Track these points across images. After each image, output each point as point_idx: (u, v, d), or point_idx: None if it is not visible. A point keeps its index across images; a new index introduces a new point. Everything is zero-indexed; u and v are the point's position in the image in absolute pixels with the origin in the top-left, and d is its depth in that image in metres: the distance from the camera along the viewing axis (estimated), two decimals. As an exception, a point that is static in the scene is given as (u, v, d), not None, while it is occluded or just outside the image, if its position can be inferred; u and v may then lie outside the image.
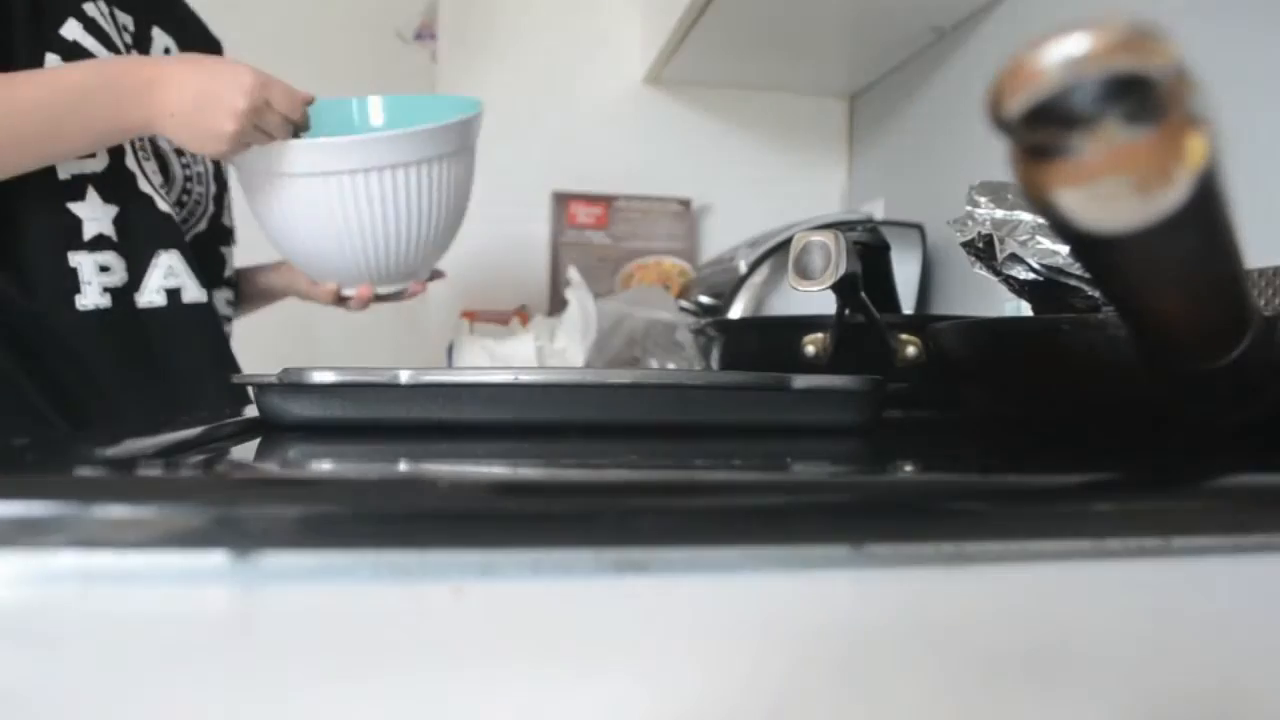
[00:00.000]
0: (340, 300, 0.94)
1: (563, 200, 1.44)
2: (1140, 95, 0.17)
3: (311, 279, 0.94)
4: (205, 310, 0.84)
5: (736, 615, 0.21)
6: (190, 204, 0.88)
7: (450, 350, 1.29)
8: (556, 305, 1.39)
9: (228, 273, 0.93)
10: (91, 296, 0.76)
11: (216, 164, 0.92)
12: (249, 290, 1.04)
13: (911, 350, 0.59)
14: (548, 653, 0.18)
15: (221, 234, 0.92)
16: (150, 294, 0.80)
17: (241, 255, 1.01)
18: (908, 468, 0.39)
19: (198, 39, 0.93)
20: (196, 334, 0.83)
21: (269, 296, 1.06)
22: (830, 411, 0.45)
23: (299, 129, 0.81)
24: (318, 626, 0.19)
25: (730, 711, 0.17)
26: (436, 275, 1.00)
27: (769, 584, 0.22)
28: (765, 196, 1.49)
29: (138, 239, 0.79)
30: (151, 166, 0.82)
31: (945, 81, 1.25)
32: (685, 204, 1.47)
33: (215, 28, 0.99)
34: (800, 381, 0.44)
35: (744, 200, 1.50)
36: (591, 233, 1.44)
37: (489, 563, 0.21)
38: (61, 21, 0.75)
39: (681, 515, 0.23)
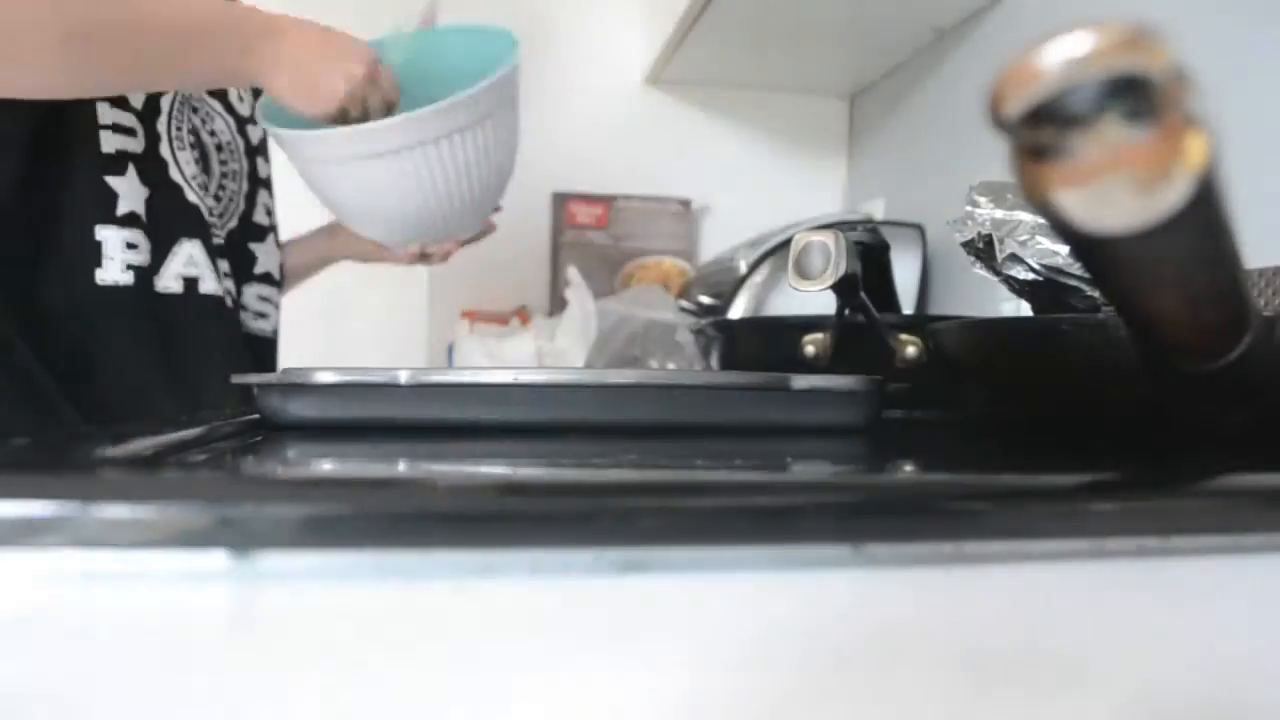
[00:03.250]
0: (423, 257, 0.95)
1: (563, 200, 1.44)
2: (1140, 95, 0.17)
3: (391, 245, 0.95)
4: (219, 303, 0.83)
5: (736, 615, 0.21)
6: (225, 199, 0.89)
7: (450, 350, 1.29)
8: (556, 305, 1.39)
9: (258, 269, 0.93)
10: (113, 272, 0.75)
11: (252, 163, 0.92)
12: (299, 261, 1.04)
13: (911, 350, 0.59)
14: (548, 653, 0.18)
15: (252, 231, 0.92)
16: (169, 279, 0.80)
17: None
18: (908, 468, 0.39)
19: None
20: (210, 325, 0.82)
21: (318, 264, 1.07)
22: (830, 411, 0.45)
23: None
24: (318, 626, 0.19)
25: (730, 711, 0.17)
26: (497, 209, 1.01)
27: (769, 584, 0.22)
28: (765, 196, 1.49)
29: (163, 224, 0.79)
30: (186, 156, 0.82)
31: (945, 81, 1.25)
32: (685, 204, 1.47)
33: None
34: (800, 381, 0.44)
35: (744, 200, 1.50)
36: (591, 233, 1.44)
37: (489, 563, 0.21)
38: None
39: (681, 515, 0.23)
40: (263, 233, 0.94)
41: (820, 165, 1.55)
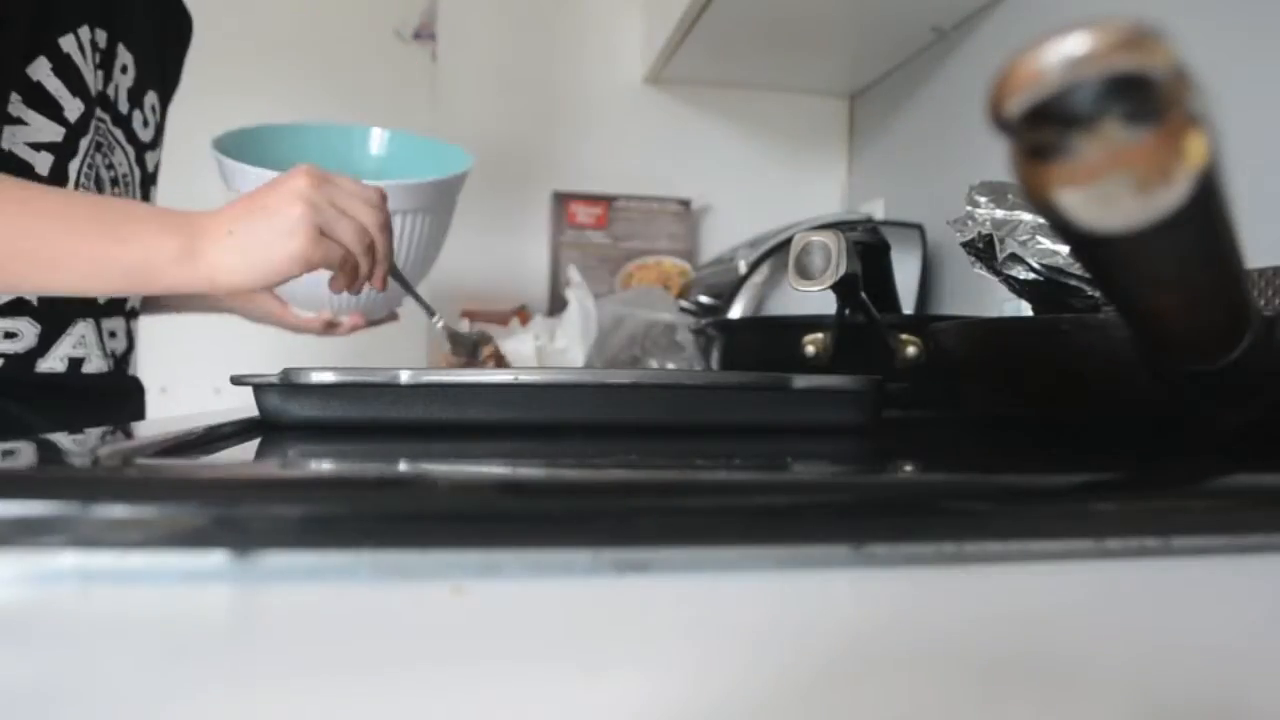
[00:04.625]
0: (328, 328, 0.95)
1: (563, 200, 1.44)
2: (1140, 95, 0.17)
3: (299, 309, 0.94)
4: (101, 379, 0.80)
5: (736, 615, 0.21)
6: None
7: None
8: (556, 305, 1.39)
9: (131, 304, 0.88)
10: None
11: (145, 194, 0.87)
12: (190, 299, 1.00)
13: (911, 350, 0.59)
14: (548, 653, 0.18)
15: None
16: (53, 360, 0.77)
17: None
18: (908, 468, 0.39)
19: (151, 34, 0.88)
20: (88, 399, 0.79)
21: (209, 309, 1.02)
22: (830, 411, 0.45)
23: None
24: (318, 626, 0.19)
25: (729, 711, 0.17)
26: (393, 318, 1.04)
27: (769, 584, 0.22)
28: (765, 196, 1.49)
29: (58, 306, 0.75)
30: None
31: (945, 81, 1.25)
32: (685, 204, 1.47)
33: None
34: (800, 381, 0.44)
35: (744, 200, 1.50)
36: (591, 233, 1.44)
37: (489, 563, 0.21)
38: (32, 59, 0.71)
39: (681, 515, 0.23)
40: None
41: (820, 165, 1.55)
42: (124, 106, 0.82)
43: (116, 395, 0.85)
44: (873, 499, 0.25)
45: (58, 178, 0.73)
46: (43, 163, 0.72)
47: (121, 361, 0.86)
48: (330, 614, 0.20)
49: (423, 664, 0.18)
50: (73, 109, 0.73)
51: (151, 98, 0.86)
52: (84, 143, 0.75)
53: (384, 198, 0.69)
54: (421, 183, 0.90)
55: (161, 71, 0.89)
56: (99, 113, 0.78)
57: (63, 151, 0.73)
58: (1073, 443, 0.43)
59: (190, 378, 1.49)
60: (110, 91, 0.80)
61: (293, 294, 0.93)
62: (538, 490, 0.24)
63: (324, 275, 0.74)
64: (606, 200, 1.44)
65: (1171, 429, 0.38)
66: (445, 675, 0.17)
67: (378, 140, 1.10)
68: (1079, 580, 0.23)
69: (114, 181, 0.82)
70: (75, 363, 0.78)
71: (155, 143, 0.88)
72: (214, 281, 0.64)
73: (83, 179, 0.75)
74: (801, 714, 0.17)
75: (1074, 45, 0.17)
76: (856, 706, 0.17)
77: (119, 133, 0.83)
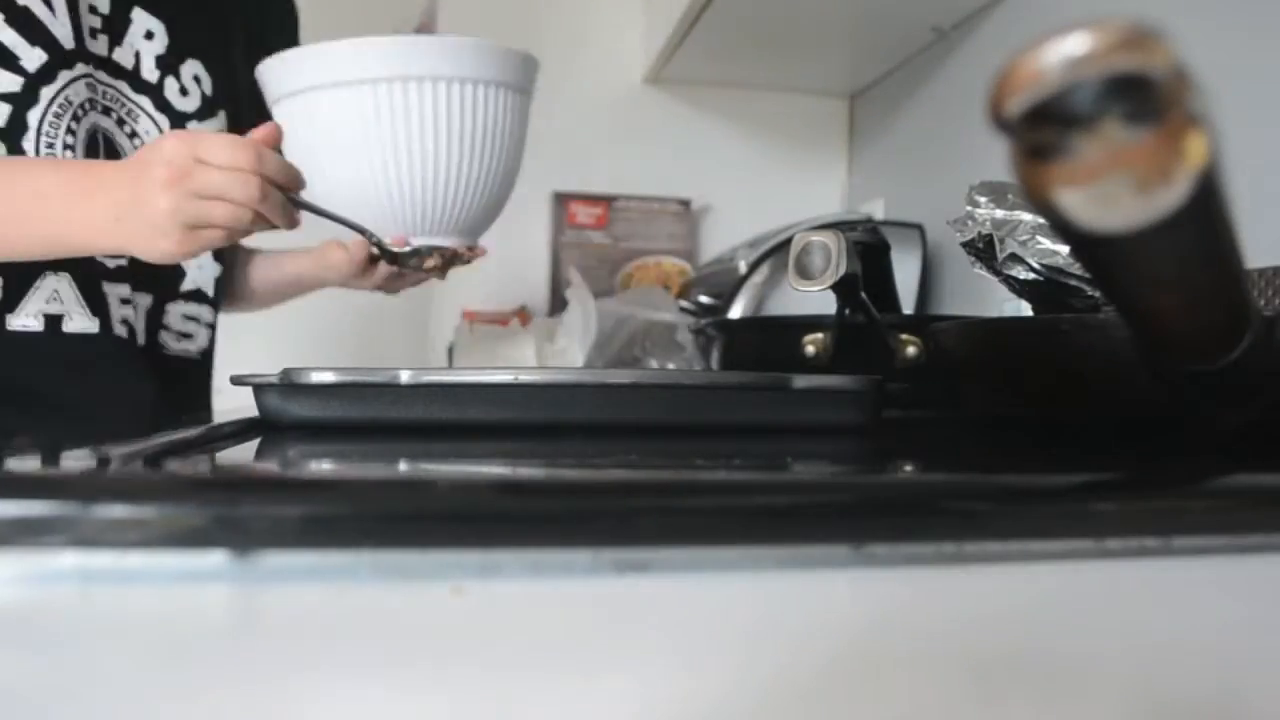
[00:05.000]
0: (370, 265, 0.84)
1: (563, 200, 1.44)
2: (1140, 95, 0.17)
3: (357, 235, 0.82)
4: (91, 341, 0.75)
5: (736, 615, 0.21)
6: None
7: (450, 350, 1.29)
8: (556, 305, 1.39)
9: (186, 286, 0.85)
10: None
11: None
12: (274, 276, 0.95)
13: (911, 350, 0.59)
14: (548, 653, 0.18)
15: None
16: (25, 317, 0.72)
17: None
18: (908, 468, 0.39)
19: (210, 15, 0.84)
20: (76, 364, 0.74)
21: (298, 286, 0.96)
22: (830, 411, 0.45)
23: (284, 185, 0.67)
24: (318, 626, 0.19)
25: (729, 711, 0.17)
26: (474, 252, 0.90)
27: (769, 584, 0.22)
28: (765, 196, 1.49)
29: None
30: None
31: (945, 81, 1.25)
32: (685, 204, 1.47)
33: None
34: (800, 381, 0.44)
35: (744, 200, 1.50)
36: (591, 233, 1.44)
37: (489, 563, 0.21)
38: None
39: (681, 515, 0.23)
40: None
41: (820, 165, 1.55)
42: (150, 74, 0.79)
43: (124, 370, 0.79)
44: (873, 499, 0.25)
45: (16, 125, 0.70)
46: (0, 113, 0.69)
47: (152, 336, 0.81)
48: (330, 614, 0.20)
49: (423, 664, 0.18)
50: (32, 59, 0.70)
51: (194, 66, 0.82)
52: (47, 91, 0.71)
53: (259, 152, 0.65)
54: (483, 43, 0.76)
55: (220, 43, 0.85)
56: (105, 77, 0.75)
57: (21, 101, 0.70)
58: (1073, 443, 0.43)
59: (190, 378, 1.49)
60: (122, 58, 0.77)
61: (336, 188, 0.79)
62: (537, 490, 0.25)
63: (376, 182, 0.73)
64: (606, 200, 1.44)
65: (1171, 429, 0.38)
66: (445, 675, 0.17)
67: None
68: (1079, 580, 0.23)
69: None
70: (52, 320, 0.73)
71: (203, 113, 0.83)
72: (132, 252, 0.65)
73: (47, 128, 0.71)
74: (801, 714, 0.17)
75: (1074, 45, 0.17)
76: (856, 706, 0.17)
77: (144, 100, 0.79)
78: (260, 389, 0.43)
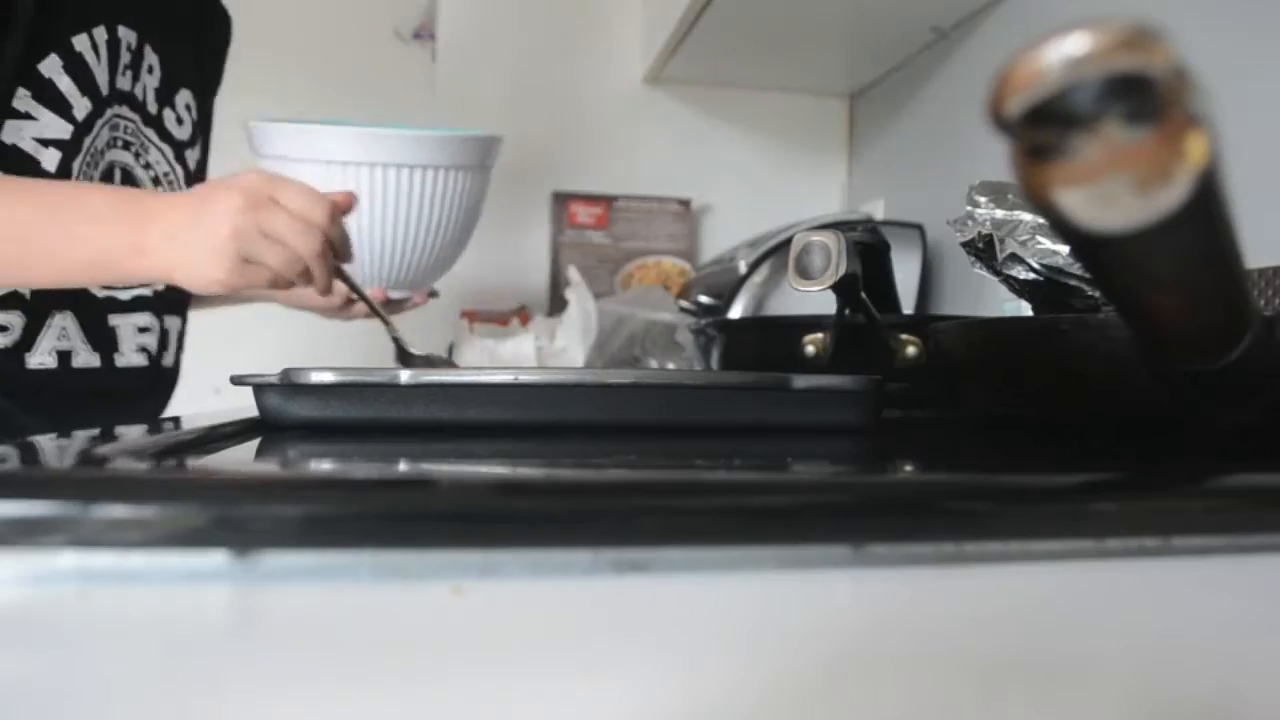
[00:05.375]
0: (344, 306, 0.90)
1: (563, 200, 1.44)
2: (1140, 95, 0.17)
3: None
4: (97, 374, 0.78)
5: (736, 615, 0.21)
6: None
7: (450, 350, 1.29)
8: (556, 305, 1.39)
9: (173, 293, 0.88)
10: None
11: (189, 181, 0.87)
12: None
13: (911, 350, 0.59)
14: (548, 653, 0.18)
15: None
16: (41, 355, 0.75)
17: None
18: (908, 468, 0.39)
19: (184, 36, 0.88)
20: (85, 401, 0.77)
21: (235, 299, 0.99)
22: (830, 411, 0.45)
23: (336, 252, 0.70)
24: (318, 626, 0.19)
25: (729, 711, 0.17)
26: (433, 294, 1.01)
27: (769, 584, 0.22)
28: (765, 196, 1.49)
29: (38, 298, 0.74)
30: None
31: (945, 81, 1.25)
32: (685, 204, 1.47)
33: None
34: (800, 381, 0.44)
35: (744, 200, 1.50)
36: (591, 233, 1.44)
37: (489, 563, 0.21)
38: (43, 56, 0.71)
39: (681, 515, 0.23)
40: None
41: (820, 165, 1.55)
42: (153, 107, 0.83)
43: (124, 394, 0.83)
44: (873, 499, 0.25)
45: (63, 174, 0.73)
46: (50, 159, 0.72)
47: (151, 357, 0.85)
48: (330, 614, 0.20)
49: (423, 664, 0.18)
50: (81, 108, 0.74)
51: (185, 96, 0.87)
52: (87, 141, 0.75)
53: (333, 212, 0.67)
54: (437, 135, 0.88)
55: (199, 70, 0.90)
56: (127, 112, 0.79)
57: (69, 148, 0.73)
58: (1073, 443, 0.43)
59: (190, 378, 1.49)
60: (138, 92, 0.80)
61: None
62: (538, 490, 0.24)
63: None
64: (606, 200, 1.44)
65: (1171, 429, 0.38)
66: (445, 675, 0.17)
67: None
68: (1079, 580, 0.23)
69: (155, 181, 0.83)
70: (63, 356, 0.76)
71: (194, 141, 0.88)
72: (173, 278, 0.65)
73: (81, 176, 0.75)
74: (801, 714, 0.17)
75: (1074, 45, 0.17)
76: (856, 706, 0.17)
77: (151, 132, 0.83)
78: (260, 389, 0.43)
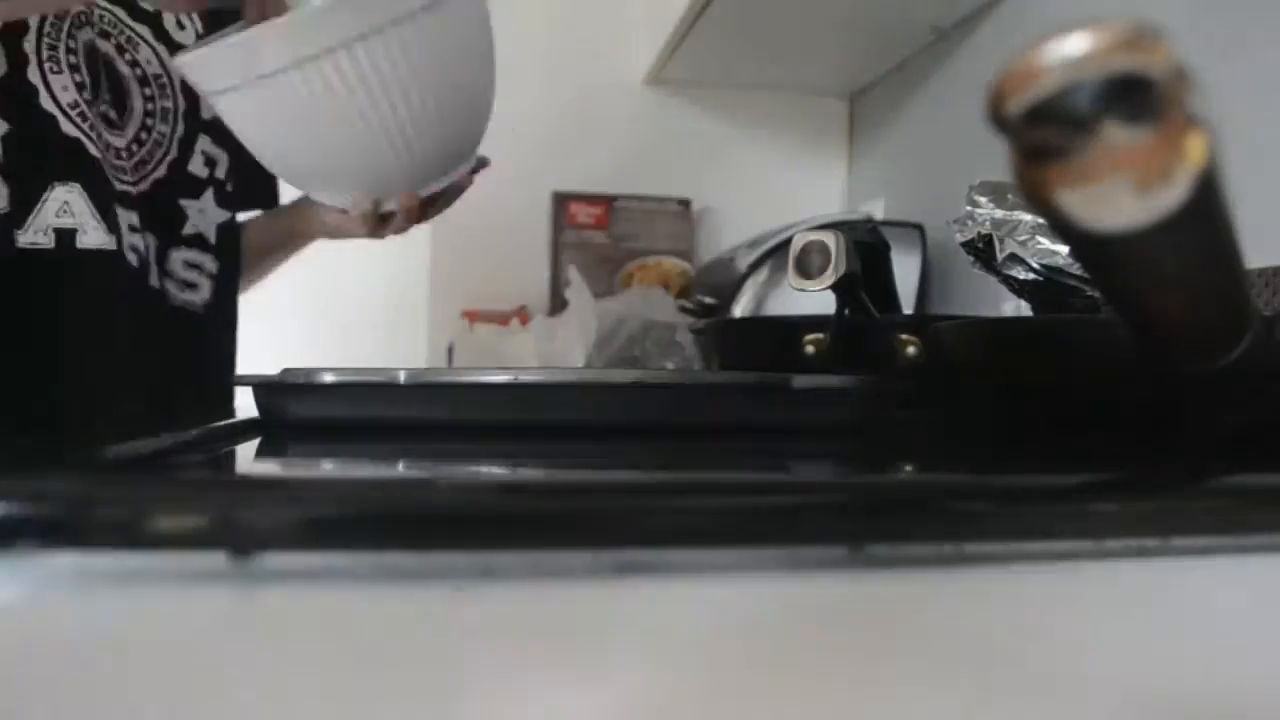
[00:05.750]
0: (381, 222, 0.76)
1: (563, 200, 1.44)
2: (1140, 95, 0.17)
3: (334, 204, 0.77)
4: (111, 260, 0.68)
5: (736, 616, 0.21)
6: (150, 141, 0.75)
7: (450, 350, 1.29)
8: (556, 305, 1.39)
9: (188, 230, 0.78)
10: None
11: (191, 101, 0.77)
12: (257, 243, 0.88)
13: (911, 350, 0.59)
14: (548, 653, 0.18)
15: (184, 184, 0.77)
16: (34, 233, 0.65)
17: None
18: (908, 468, 0.39)
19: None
20: (98, 290, 0.68)
21: (286, 247, 0.90)
22: (830, 411, 0.45)
23: None
24: (318, 627, 0.19)
25: (728, 711, 0.17)
26: (481, 164, 0.80)
27: (769, 584, 0.22)
28: (765, 196, 1.49)
29: (27, 165, 0.64)
30: (64, 80, 0.67)
31: (945, 81, 1.25)
32: (685, 204, 1.47)
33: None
34: (800, 381, 0.44)
35: (744, 200, 1.50)
36: (591, 233, 1.44)
37: (489, 563, 0.21)
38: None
39: (681, 515, 0.23)
40: (198, 187, 0.78)
41: (820, 165, 1.55)
42: (147, 2, 0.75)
43: (143, 308, 0.72)
44: (873, 499, 0.25)
45: (13, 61, 0.65)
46: None
47: (160, 281, 0.76)
48: (330, 615, 0.20)
49: (422, 664, 0.18)
50: None
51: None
52: (33, 18, 0.66)
53: None
54: None
55: None
56: (103, 1, 0.72)
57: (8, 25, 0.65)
58: (1073, 443, 0.43)
59: (190, 378, 1.50)
60: None
61: (316, 186, 0.75)
62: (538, 491, 0.25)
63: (355, 153, 0.67)
64: (606, 200, 1.44)
65: (1171, 429, 0.38)
66: (445, 676, 0.17)
67: None
68: (1079, 580, 0.23)
69: (143, 80, 0.74)
70: (64, 236, 0.66)
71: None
72: None
73: (48, 32, 0.66)
74: (801, 713, 0.17)
75: (1074, 45, 0.17)
76: (856, 706, 0.17)
77: (143, 28, 0.75)
78: (260, 389, 0.43)
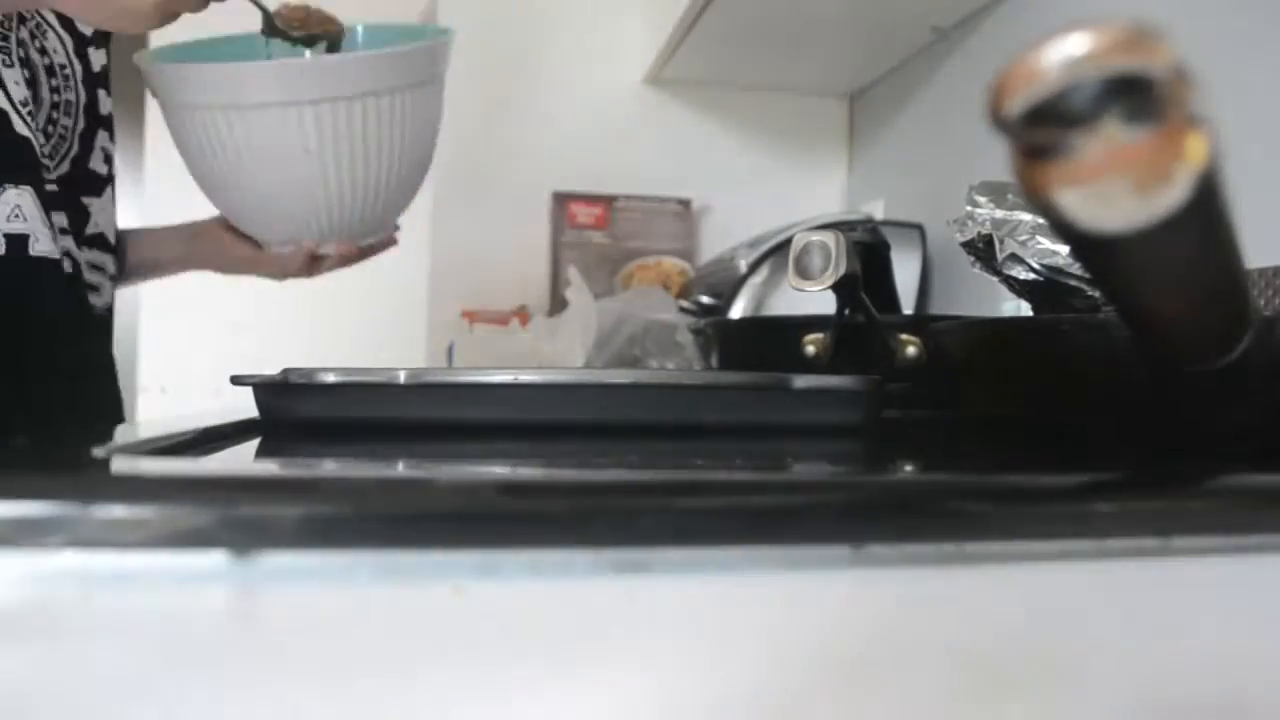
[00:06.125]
0: (311, 264, 0.79)
1: (563, 200, 1.44)
2: (1140, 95, 0.17)
3: (272, 240, 0.79)
4: (55, 268, 0.66)
5: (736, 616, 0.21)
6: (55, 135, 0.72)
7: (450, 350, 1.29)
8: (556, 305, 1.39)
9: (90, 229, 0.75)
10: None
11: (91, 94, 0.76)
12: (150, 256, 0.86)
13: (911, 350, 0.59)
14: (548, 653, 0.18)
15: (86, 181, 0.75)
16: None
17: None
18: (908, 468, 0.39)
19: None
20: (45, 296, 0.66)
21: (172, 266, 0.88)
22: (830, 411, 0.45)
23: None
24: (318, 626, 0.19)
25: (728, 711, 0.17)
26: (396, 228, 0.86)
27: (769, 584, 0.22)
28: (765, 196, 1.49)
29: None
30: (14, 75, 0.66)
31: (945, 81, 1.25)
32: (685, 204, 1.47)
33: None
34: (800, 381, 0.44)
35: (744, 200, 1.50)
36: (591, 233, 1.44)
37: (489, 563, 0.21)
38: None
39: (681, 515, 0.23)
40: (99, 184, 0.76)
41: (820, 165, 1.55)
42: None
43: (85, 316, 0.71)
44: (873, 499, 0.25)
45: None
46: None
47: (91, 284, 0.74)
48: (330, 615, 0.20)
49: (423, 664, 0.18)
50: None
51: None
52: None
53: None
54: (403, 50, 0.74)
55: None
56: None
57: None
58: (1073, 443, 0.43)
59: (190, 378, 1.50)
60: None
61: (258, 221, 0.78)
62: (538, 490, 0.24)
63: (288, 198, 0.67)
64: (606, 200, 1.44)
65: (1171, 429, 0.38)
66: (445, 676, 0.17)
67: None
68: (1079, 580, 0.23)
69: (49, 70, 0.71)
70: (15, 241, 0.64)
71: (98, 40, 0.77)
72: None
73: None
74: (801, 713, 0.17)
75: (1074, 45, 0.17)
76: (856, 706, 0.17)
77: (51, 15, 0.73)
78: (260, 389, 0.43)
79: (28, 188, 0.65)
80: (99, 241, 0.77)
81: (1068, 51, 0.17)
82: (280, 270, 0.82)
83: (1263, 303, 0.66)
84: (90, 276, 0.75)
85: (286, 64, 0.71)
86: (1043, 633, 0.21)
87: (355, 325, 1.51)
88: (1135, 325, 0.29)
